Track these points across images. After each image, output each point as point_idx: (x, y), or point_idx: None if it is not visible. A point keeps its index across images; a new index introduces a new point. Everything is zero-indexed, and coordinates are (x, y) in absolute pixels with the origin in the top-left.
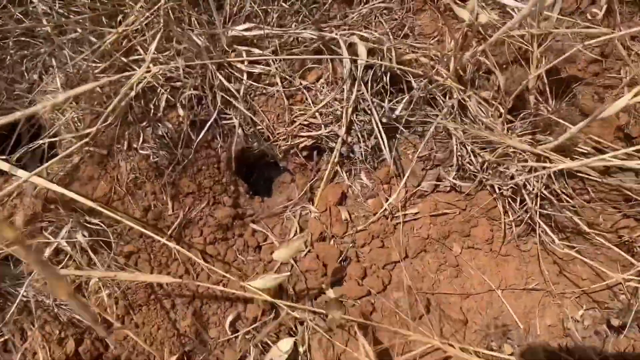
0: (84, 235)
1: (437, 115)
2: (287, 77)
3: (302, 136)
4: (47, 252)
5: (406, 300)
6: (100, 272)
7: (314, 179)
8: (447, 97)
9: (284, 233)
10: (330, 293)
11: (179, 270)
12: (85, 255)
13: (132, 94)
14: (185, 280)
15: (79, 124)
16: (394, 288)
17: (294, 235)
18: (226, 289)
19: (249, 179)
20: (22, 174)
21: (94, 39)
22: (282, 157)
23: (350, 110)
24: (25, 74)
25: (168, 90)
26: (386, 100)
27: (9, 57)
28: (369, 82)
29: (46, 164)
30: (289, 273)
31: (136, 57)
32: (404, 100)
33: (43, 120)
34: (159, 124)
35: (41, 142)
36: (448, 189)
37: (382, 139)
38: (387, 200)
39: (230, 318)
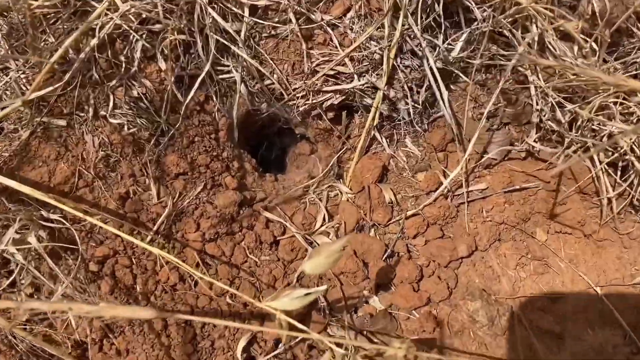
0: (40, 238)
1: (505, 57)
2: (303, 10)
3: (327, 91)
4: None
5: (483, 312)
6: (42, 303)
7: (343, 149)
8: (520, 32)
9: (308, 223)
10: (376, 302)
11: (171, 279)
12: (44, 262)
13: (94, 42)
14: (175, 314)
15: (27, 86)
16: (463, 293)
17: (322, 224)
18: (235, 301)
19: (257, 152)
20: None
21: None
22: (299, 122)
23: (393, 52)
24: None
25: (144, 36)
26: (440, 38)
27: None
28: (418, 13)
29: None
30: (324, 287)
31: None
32: (463, 37)
33: None
34: (134, 83)
35: None
36: (524, 154)
37: (439, 89)
38: (444, 173)
39: (242, 342)
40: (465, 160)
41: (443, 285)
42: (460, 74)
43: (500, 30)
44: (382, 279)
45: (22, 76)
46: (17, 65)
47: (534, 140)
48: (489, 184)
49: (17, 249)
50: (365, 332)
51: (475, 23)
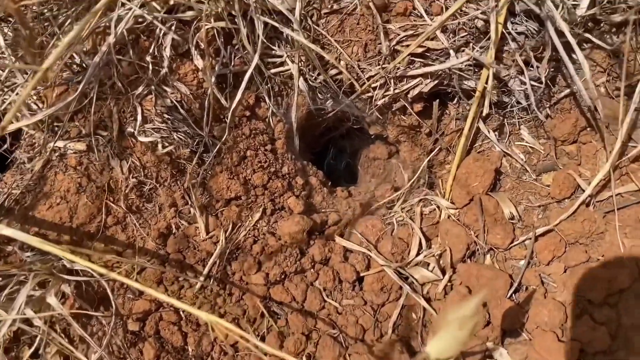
0: (63, 296)
1: None
2: None
3: (414, 76)
4: None
5: None
6: None
7: (436, 150)
8: None
9: (399, 251)
10: (504, 356)
11: (230, 337)
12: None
13: (110, 39)
14: None
15: (37, 104)
16: (629, 340)
17: (417, 253)
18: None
19: (321, 159)
20: None
21: None
22: (376, 119)
23: (502, 16)
24: None
25: (173, 27)
26: None
27: None
28: None
29: None
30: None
31: None
32: None
33: None
34: (166, 88)
35: None
36: None
37: (573, 57)
38: (579, 173)
39: None
40: (615, 153)
41: (601, 331)
42: (592, 38)
43: None
44: (509, 324)
45: (32, 92)
46: (24, 78)
47: None
48: None
49: (35, 312)
50: None
51: None
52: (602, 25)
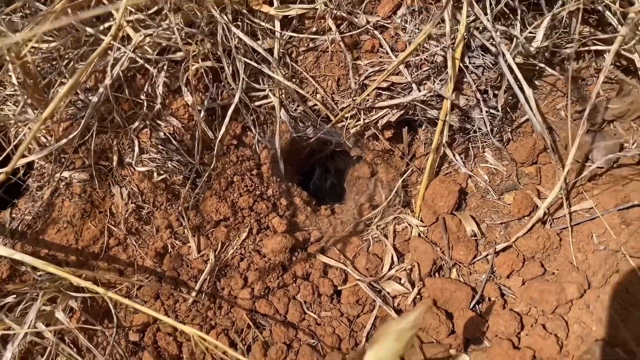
0: (71, 310)
1: (601, 41)
2: (344, 14)
3: (382, 107)
4: (10, 350)
5: None
6: None
7: (409, 171)
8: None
9: (373, 266)
10: None
11: (220, 345)
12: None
13: (107, 81)
14: None
15: (47, 137)
16: (578, 346)
17: (390, 267)
18: None
19: (307, 178)
20: None
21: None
22: (354, 143)
23: (459, 51)
24: None
25: (165, 67)
26: (517, 27)
27: None
28: None
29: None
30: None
31: (111, 22)
32: (546, 22)
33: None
34: (159, 122)
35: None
36: (638, 158)
37: (522, 89)
38: (538, 193)
39: None
40: (565, 173)
41: (551, 339)
42: (547, 68)
43: (591, 6)
44: (471, 332)
45: (42, 127)
46: (34, 112)
47: None
48: (597, 201)
49: (46, 325)
50: None
51: (559, 2)
52: (559, 55)
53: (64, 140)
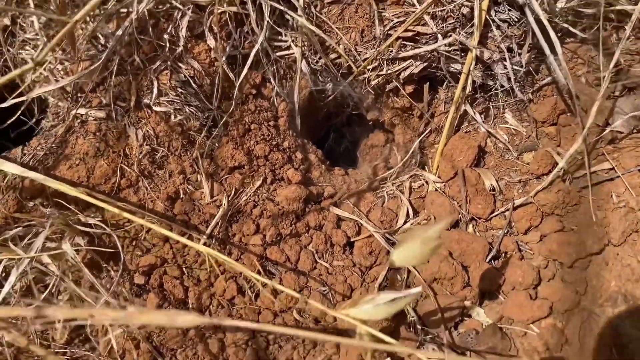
0: (78, 246)
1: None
2: None
3: (405, 58)
4: (14, 275)
5: (630, 322)
6: (56, 309)
7: (427, 132)
8: None
9: (388, 219)
10: (481, 315)
11: (228, 291)
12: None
13: (133, 16)
14: (222, 321)
15: (62, 74)
16: (595, 301)
17: (405, 221)
18: (304, 317)
19: (322, 144)
20: None
21: None
22: (372, 102)
23: (485, 3)
24: None
25: (189, 10)
26: None
27: None
28: None
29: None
30: (419, 289)
31: None
32: None
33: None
34: (180, 65)
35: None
36: None
37: (550, 44)
38: (557, 153)
39: None
40: (585, 133)
41: (570, 290)
42: (572, 28)
43: None
44: (487, 285)
45: (60, 67)
46: (53, 55)
47: None
48: (618, 162)
49: (52, 258)
50: (469, 353)
51: None
52: (584, 18)
53: (84, 72)
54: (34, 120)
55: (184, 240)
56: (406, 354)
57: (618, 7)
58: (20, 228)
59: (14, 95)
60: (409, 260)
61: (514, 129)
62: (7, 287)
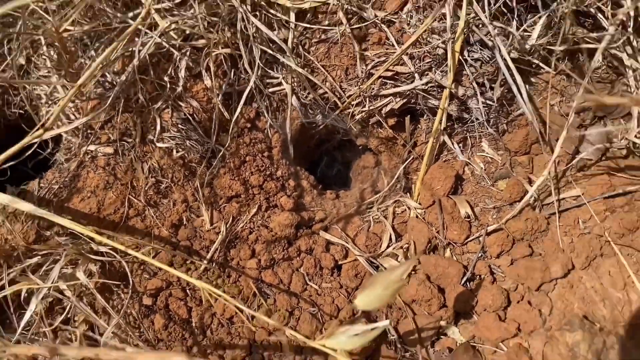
0: (92, 272)
1: (595, 40)
2: (354, 9)
3: (386, 95)
4: (34, 303)
5: (585, 344)
6: (53, 348)
7: (410, 159)
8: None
9: (372, 244)
10: (455, 333)
11: (227, 311)
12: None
13: (135, 62)
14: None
15: (75, 115)
16: (560, 321)
17: (388, 245)
18: (296, 333)
19: (316, 167)
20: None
21: None
22: (359, 132)
23: (458, 44)
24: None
25: (188, 53)
26: (514, 24)
27: None
28: None
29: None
30: (387, 323)
31: (140, 10)
32: (541, 21)
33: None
34: (180, 103)
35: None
36: (625, 152)
37: (516, 82)
38: (530, 180)
39: None
40: (553, 162)
41: (535, 313)
42: (541, 64)
43: (585, 9)
44: (461, 306)
45: (71, 105)
46: (65, 91)
47: (636, 136)
48: (585, 189)
49: (68, 285)
50: None
51: (555, 3)
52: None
53: (93, 114)
54: (48, 151)
55: (182, 275)
56: None
57: (583, 46)
58: (39, 257)
59: (31, 135)
60: (372, 304)
61: (490, 157)
62: (28, 314)
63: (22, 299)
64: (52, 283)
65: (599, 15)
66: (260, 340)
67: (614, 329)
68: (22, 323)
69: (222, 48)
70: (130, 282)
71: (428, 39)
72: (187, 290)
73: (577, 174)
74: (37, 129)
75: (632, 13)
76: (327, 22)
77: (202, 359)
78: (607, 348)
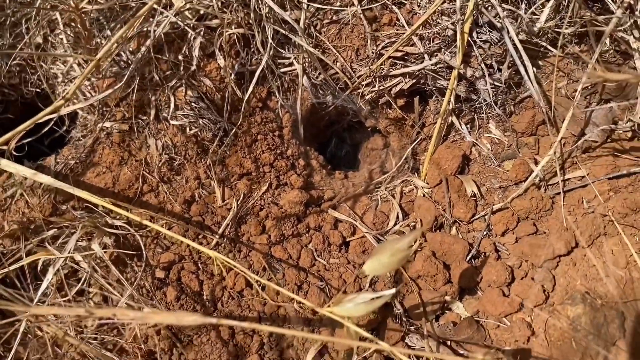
0: (106, 245)
1: (602, 23)
2: None
3: (396, 75)
4: (51, 272)
5: (586, 318)
6: (87, 308)
7: (418, 140)
8: None
9: (380, 222)
10: (459, 308)
11: (238, 284)
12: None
13: (150, 42)
14: (220, 321)
15: (91, 93)
16: (562, 297)
17: (395, 223)
18: (304, 307)
19: (325, 148)
20: (18, 169)
21: None
22: (368, 112)
23: (467, 26)
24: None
25: (202, 33)
26: (522, 7)
27: (8, 18)
28: None
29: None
30: (393, 291)
31: None
32: (550, 4)
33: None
34: (194, 82)
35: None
36: (630, 134)
37: (524, 64)
38: (535, 161)
39: (312, 352)
40: (558, 143)
41: (538, 289)
42: (549, 47)
43: None
44: (466, 282)
45: (87, 83)
46: (81, 70)
47: None
48: (589, 170)
49: (83, 257)
50: (448, 343)
51: None
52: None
53: (109, 91)
54: (64, 129)
55: (195, 245)
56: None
57: (591, 29)
58: (55, 230)
59: (47, 111)
60: (378, 270)
61: (497, 139)
62: (45, 284)
63: (38, 271)
64: (68, 254)
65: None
66: (269, 312)
67: (615, 305)
68: (39, 293)
69: (235, 28)
70: (144, 255)
71: (438, 20)
72: (199, 264)
73: (582, 155)
74: (58, 101)
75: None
76: (339, 3)
77: (216, 318)
78: (608, 322)
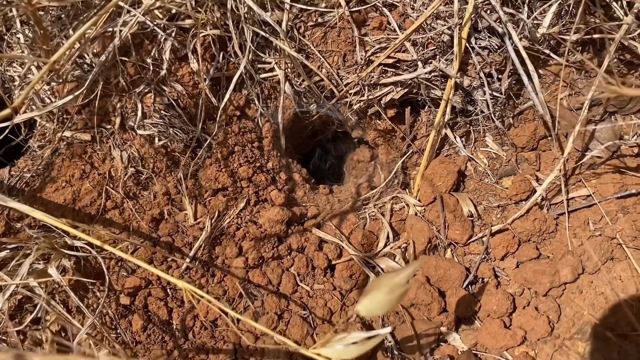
0: (64, 269)
1: (608, 30)
2: None
3: (386, 84)
4: (1, 301)
5: (599, 355)
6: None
7: (409, 153)
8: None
9: (369, 243)
10: (456, 340)
11: (211, 313)
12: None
13: (115, 42)
14: None
15: (51, 98)
16: (569, 329)
17: (385, 244)
18: (285, 339)
19: (308, 160)
20: None
21: None
22: (355, 123)
23: (465, 31)
24: None
25: (173, 34)
26: (524, 11)
27: None
28: None
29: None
30: (389, 330)
31: None
32: (553, 9)
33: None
34: (164, 87)
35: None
36: (637, 150)
37: (528, 73)
38: (537, 178)
39: None
40: (563, 160)
41: (542, 320)
42: (552, 54)
43: None
44: (463, 311)
45: (46, 87)
46: (38, 71)
47: None
48: (595, 189)
49: (39, 282)
50: None
51: None
52: (567, 42)
53: (69, 97)
54: (21, 137)
55: (162, 274)
56: None
57: (596, 36)
58: (7, 251)
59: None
60: (375, 310)
61: (494, 153)
62: None
63: None
64: (21, 280)
65: (614, 4)
66: (246, 345)
67: (628, 338)
68: None
69: (210, 29)
70: (107, 279)
71: (432, 24)
72: (168, 290)
73: (587, 173)
74: (5, 111)
75: None
76: (324, 5)
77: None
78: (622, 358)
